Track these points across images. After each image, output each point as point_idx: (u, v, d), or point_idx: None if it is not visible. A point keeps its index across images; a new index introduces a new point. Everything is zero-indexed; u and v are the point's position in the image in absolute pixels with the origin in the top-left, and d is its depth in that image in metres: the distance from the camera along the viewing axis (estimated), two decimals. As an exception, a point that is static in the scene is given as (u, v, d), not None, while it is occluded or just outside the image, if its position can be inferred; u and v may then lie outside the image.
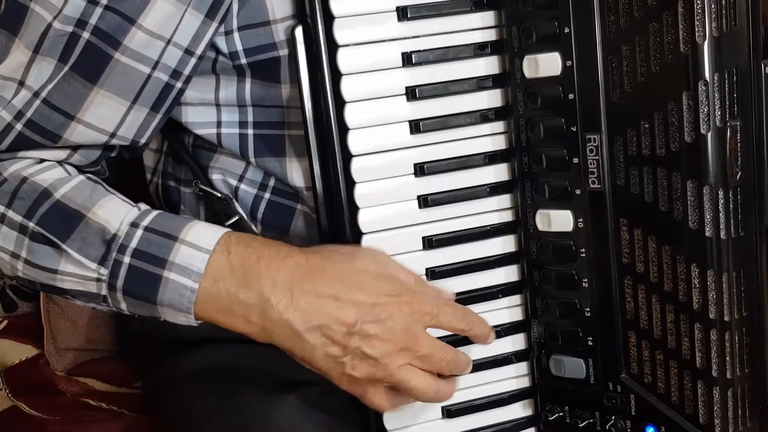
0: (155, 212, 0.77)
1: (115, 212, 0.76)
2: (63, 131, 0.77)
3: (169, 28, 0.76)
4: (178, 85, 0.79)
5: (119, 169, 0.98)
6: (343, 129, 0.77)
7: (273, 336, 0.74)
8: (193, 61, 0.78)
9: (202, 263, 0.73)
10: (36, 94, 0.76)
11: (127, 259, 0.74)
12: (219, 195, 0.88)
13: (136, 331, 0.97)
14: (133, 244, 0.74)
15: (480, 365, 0.83)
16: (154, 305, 0.75)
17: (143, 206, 0.78)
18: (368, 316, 0.73)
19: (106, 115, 0.77)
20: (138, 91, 0.77)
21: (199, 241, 0.74)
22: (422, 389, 0.76)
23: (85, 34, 0.75)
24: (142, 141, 0.81)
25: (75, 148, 0.80)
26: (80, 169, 0.81)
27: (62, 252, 0.75)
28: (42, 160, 0.79)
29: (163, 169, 0.95)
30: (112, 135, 0.78)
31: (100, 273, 0.74)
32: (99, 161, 0.82)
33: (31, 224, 0.75)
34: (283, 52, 0.80)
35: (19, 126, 0.76)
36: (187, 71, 0.79)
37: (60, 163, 0.80)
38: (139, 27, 0.75)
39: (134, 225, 0.75)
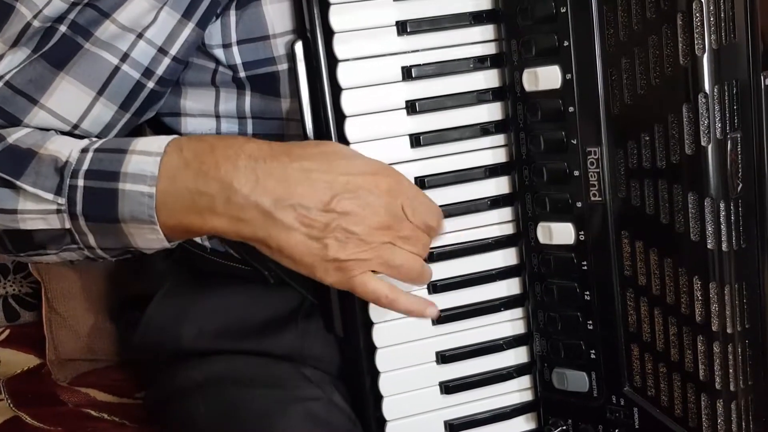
0: (105, 139, 0.76)
1: (66, 144, 0.74)
2: (24, 115, 0.76)
3: (141, 24, 0.75)
4: (150, 85, 0.78)
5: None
6: (344, 143, 0.77)
7: (244, 226, 0.70)
8: (167, 61, 0.77)
9: (154, 166, 0.71)
10: (0, 78, 0.75)
11: (81, 182, 0.72)
12: None
13: (138, 342, 0.97)
14: (85, 166, 0.73)
15: (483, 379, 0.83)
16: (118, 224, 0.72)
17: (95, 138, 0.76)
18: (345, 192, 0.70)
19: (70, 104, 0.76)
20: (104, 82, 0.76)
21: (149, 147, 0.72)
22: (409, 266, 0.73)
23: (62, 28, 0.75)
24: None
25: None
26: None
27: (18, 190, 0.73)
28: None
29: None
30: (75, 126, 0.77)
31: (59, 203, 0.73)
32: None
33: None
34: (282, 66, 0.80)
35: None
36: (160, 71, 0.78)
37: None
38: (113, 21, 0.75)
39: (84, 150, 0.74)
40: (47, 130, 0.77)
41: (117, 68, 0.76)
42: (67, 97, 0.76)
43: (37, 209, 0.73)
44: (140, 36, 0.76)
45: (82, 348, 1.12)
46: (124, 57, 0.76)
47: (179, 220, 0.72)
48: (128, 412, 1.05)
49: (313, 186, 0.70)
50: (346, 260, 0.71)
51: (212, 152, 0.71)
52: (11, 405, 1.07)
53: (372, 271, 0.73)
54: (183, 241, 0.93)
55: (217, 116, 0.86)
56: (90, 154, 0.73)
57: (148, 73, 0.77)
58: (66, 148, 0.74)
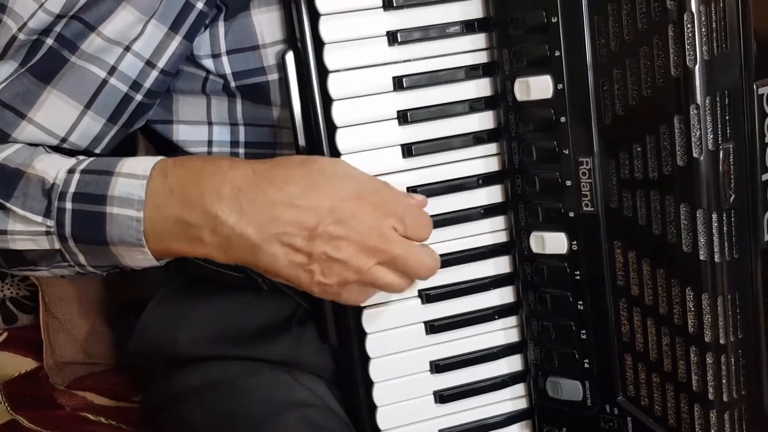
0: (91, 158, 0.76)
1: (53, 164, 0.74)
2: (12, 129, 0.76)
3: (128, 36, 0.75)
4: (138, 97, 0.78)
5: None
6: (335, 154, 0.77)
7: (232, 253, 0.71)
8: (154, 74, 0.77)
9: (141, 190, 0.71)
10: None
11: (69, 205, 0.72)
12: None
13: (134, 348, 0.97)
14: (72, 188, 0.73)
15: (477, 388, 0.83)
16: (108, 246, 0.72)
17: (81, 157, 0.76)
18: (329, 218, 0.69)
19: (58, 118, 0.76)
20: (92, 95, 0.76)
21: (134, 170, 0.72)
22: (398, 286, 0.73)
23: (49, 41, 0.75)
24: (97, 151, 0.80)
25: None
26: None
27: (8, 211, 0.73)
28: None
29: None
30: (63, 140, 0.77)
31: (47, 225, 0.73)
32: None
33: None
34: (273, 76, 0.80)
35: None
36: (148, 84, 0.77)
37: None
38: (99, 34, 0.75)
39: (71, 171, 0.74)
40: (36, 145, 0.77)
41: (104, 81, 0.76)
42: (55, 111, 0.76)
43: (26, 230, 0.74)
44: (127, 49, 0.75)
45: (80, 352, 1.12)
46: (112, 70, 0.76)
47: (168, 246, 0.72)
48: (125, 415, 1.06)
49: (298, 214, 0.70)
50: (331, 284, 0.72)
51: (197, 181, 0.71)
52: (8, 408, 1.07)
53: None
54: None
55: (209, 123, 0.86)
56: (77, 176, 0.73)
57: (135, 86, 0.77)
58: (53, 169, 0.74)
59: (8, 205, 0.73)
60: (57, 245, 0.74)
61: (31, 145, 0.77)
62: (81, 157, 0.76)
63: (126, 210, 0.71)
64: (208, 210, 0.70)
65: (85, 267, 0.76)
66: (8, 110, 0.75)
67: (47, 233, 0.73)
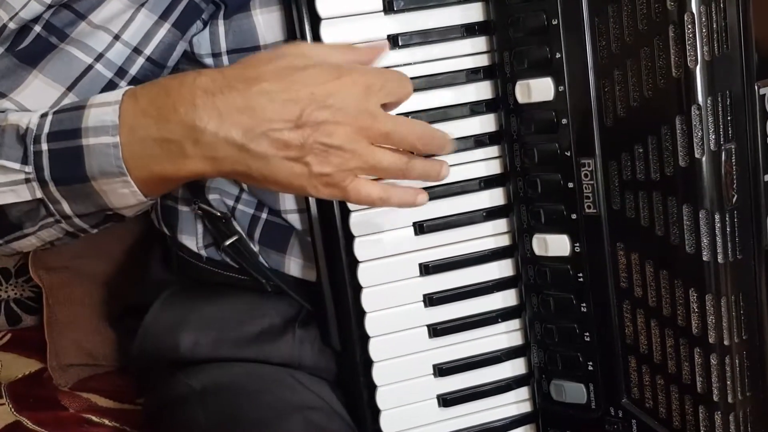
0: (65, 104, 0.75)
1: (25, 114, 0.73)
2: None
3: (117, 24, 0.75)
4: (122, 84, 0.77)
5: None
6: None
7: (221, 163, 0.68)
8: (140, 60, 0.77)
9: (114, 115, 0.68)
10: None
11: (45, 146, 0.71)
12: (218, 213, 0.88)
13: (136, 351, 0.98)
14: (46, 129, 0.71)
15: (481, 391, 0.83)
16: (89, 182, 0.70)
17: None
18: (312, 104, 0.66)
19: (38, 99, 0.75)
20: (75, 79, 0.75)
21: (106, 98, 0.70)
22: (398, 165, 0.70)
23: (37, 28, 0.75)
24: None
25: None
26: None
27: None
28: None
29: None
30: None
31: (26, 171, 0.71)
32: None
33: None
34: None
35: None
36: (133, 71, 0.77)
37: None
38: (89, 22, 0.75)
39: (43, 115, 0.72)
40: None
41: (90, 66, 0.76)
42: (37, 93, 0.75)
43: (5, 181, 0.71)
44: (117, 37, 0.76)
45: (83, 353, 1.12)
46: (99, 57, 0.76)
47: (151, 171, 0.69)
48: (129, 417, 1.06)
49: (279, 107, 0.66)
50: (332, 173, 0.68)
51: (167, 95, 0.67)
52: (13, 409, 1.07)
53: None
54: (179, 250, 0.94)
55: None
56: (49, 117, 0.72)
57: (121, 72, 0.77)
58: (25, 117, 0.72)
59: None
60: (39, 193, 0.71)
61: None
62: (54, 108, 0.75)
63: (101, 138, 0.69)
64: (185, 121, 0.66)
65: (71, 219, 0.73)
66: None
67: (27, 180, 0.71)
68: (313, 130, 0.66)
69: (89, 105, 0.70)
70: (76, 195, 0.71)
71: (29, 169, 0.71)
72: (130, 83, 0.77)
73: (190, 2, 0.76)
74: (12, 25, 0.75)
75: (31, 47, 0.75)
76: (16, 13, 0.75)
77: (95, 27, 0.75)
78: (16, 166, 0.71)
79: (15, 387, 1.11)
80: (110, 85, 0.76)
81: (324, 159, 0.67)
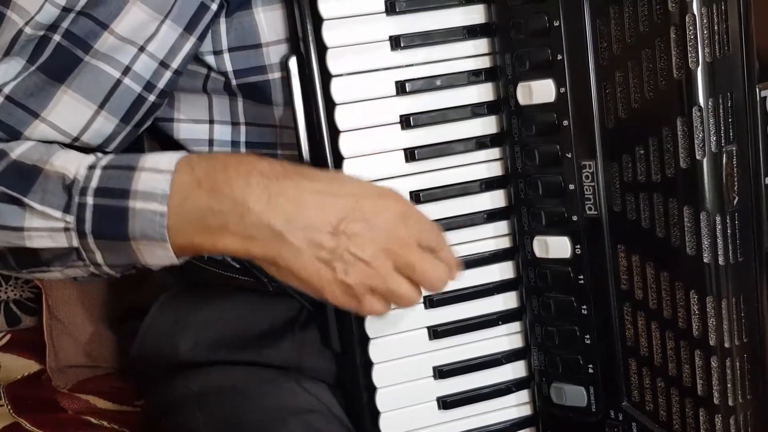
0: (111, 154, 0.75)
1: (71, 160, 0.73)
2: (24, 128, 0.75)
3: (142, 36, 0.75)
4: (151, 98, 0.78)
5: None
6: (338, 158, 0.77)
7: (254, 244, 0.70)
8: (168, 74, 0.77)
9: (166, 184, 0.70)
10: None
11: (90, 200, 0.71)
12: None
13: (136, 353, 0.97)
14: (94, 184, 0.72)
15: (481, 394, 0.83)
16: (128, 242, 0.71)
17: (100, 154, 0.76)
18: (354, 214, 0.69)
19: (71, 117, 0.76)
20: (106, 95, 0.76)
21: (158, 164, 0.71)
22: (410, 298, 0.72)
23: (56, 37, 0.74)
24: (109, 150, 0.79)
25: None
26: None
27: (25, 206, 0.72)
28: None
29: None
30: (76, 139, 0.77)
31: (67, 221, 0.72)
32: None
33: None
34: (274, 75, 0.80)
35: None
36: (161, 84, 0.77)
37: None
38: (111, 32, 0.74)
39: (92, 167, 0.73)
40: (50, 142, 0.77)
41: (119, 81, 0.76)
42: (68, 111, 0.75)
43: (44, 227, 0.72)
44: (142, 49, 0.75)
45: (83, 355, 1.12)
46: (126, 70, 0.76)
47: (190, 239, 0.71)
48: (128, 419, 1.05)
49: (324, 208, 0.69)
50: (353, 284, 0.71)
51: (225, 170, 0.70)
52: (11, 411, 1.07)
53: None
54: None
55: (211, 122, 0.86)
56: (98, 172, 0.72)
57: (149, 86, 0.77)
58: (72, 165, 0.73)
59: (26, 200, 0.72)
60: (75, 242, 0.72)
61: (45, 142, 0.76)
62: (99, 154, 0.75)
63: (150, 204, 0.70)
64: (236, 196, 0.69)
65: (101, 266, 0.74)
66: (20, 109, 0.75)
67: (66, 229, 0.72)
68: (348, 239, 0.69)
69: (140, 167, 0.71)
70: (112, 249, 0.72)
71: (70, 219, 0.72)
72: (157, 96, 0.78)
73: (212, 13, 0.76)
74: (28, 30, 0.75)
75: (56, 60, 0.74)
76: (32, 18, 0.74)
77: (118, 38, 0.75)
78: (58, 214, 0.72)
79: (14, 388, 1.11)
80: (139, 100, 0.77)
81: (350, 268, 0.70)
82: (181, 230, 0.71)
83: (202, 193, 0.70)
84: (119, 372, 1.13)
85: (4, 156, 0.74)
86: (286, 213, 0.69)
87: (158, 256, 0.72)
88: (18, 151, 0.74)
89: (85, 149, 0.78)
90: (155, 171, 0.71)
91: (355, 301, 0.72)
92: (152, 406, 0.99)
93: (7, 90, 0.74)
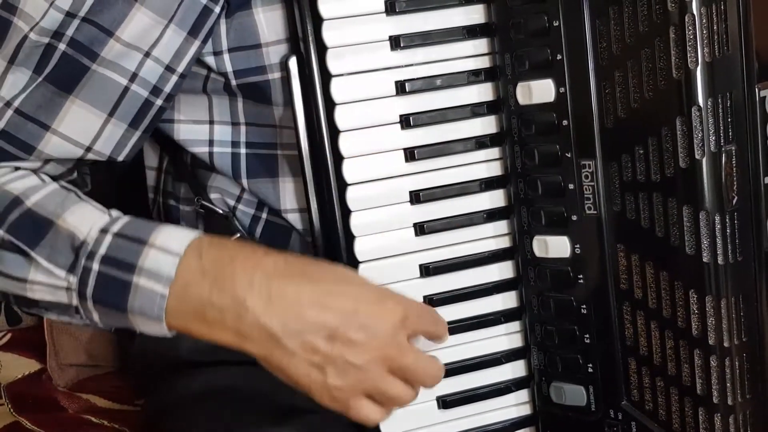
0: (126, 218, 0.75)
1: (85, 218, 0.74)
2: (37, 142, 0.75)
3: (147, 41, 0.75)
4: (159, 102, 0.78)
5: (121, 186, 0.99)
6: (338, 158, 0.77)
7: (248, 342, 0.70)
8: (174, 78, 0.77)
9: (172, 267, 0.70)
10: (8, 104, 0.75)
11: (96, 266, 0.72)
12: (220, 212, 0.88)
13: (137, 352, 0.98)
14: (102, 250, 0.72)
15: (481, 393, 0.83)
16: (125, 313, 0.72)
17: (115, 213, 0.76)
18: (351, 322, 0.70)
19: (82, 127, 0.76)
20: (115, 103, 0.76)
21: (169, 244, 0.72)
22: (405, 398, 0.73)
23: (61, 46, 0.74)
24: (120, 158, 0.80)
25: (49, 160, 0.79)
26: (56, 179, 0.80)
27: (31, 260, 0.73)
28: (17, 169, 0.78)
29: (164, 188, 0.96)
30: (88, 149, 0.77)
31: (70, 281, 0.72)
32: (74, 168, 0.81)
33: (1, 232, 0.74)
34: (274, 75, 0.80)
35: None
36: (168, 89, 0.78)
37: (35, 172, 0.78)
38: (117, 39, 0.75)
39: (104, 231, 0.73)
40: (69, 189, 0.77)
41: (126, 88, 0.76)
42: (79, 121, 0.76)
43: (46, 282, 0.73)
44: (147, 55, 0.76)
45: (83, 354, 1.13)
46: (133, 77, 0.76)
47: (186, 325, 0.72)
48: (128, 419, 1.06)
49: (322, 313, 0.70)
50: (343, 387, 0.71)
51: (231, 262, 0.70)
52: (12, 410, 1.07)
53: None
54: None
55: (211, 122, 0.86)
56: (108, 237, 0.72)
57: (156, 91, 0.77)
58: (85, 225, 0.73)
59: (33, 254, 0.73)
60: (75, 302, 0.73)
61: (62, 188, 0.77)
62: (114, 213, 0.76)
63: (153, 284, 0.71)
64: (238, 295, 0.69)
65: (96, 323, 0.75)
66: (31, 122, 0.75)
67: (67, 289, 0.73)
68: (343, 345, 0.70)
69: (150, 243, 0.72)
70: (109, 315, 0.73)
71: (74, 280, 0.72)
72: (164, 100, 0.78)
73: (216, 16, 0.77)
74: (33, 36, 0.74)
75: (63, 70, 0.74)
76: (37, 23, 0.74)
77: (124, 44, 0.75)
78: (62, 273, 0.72)
79: (14, 387, 1.11)
80: (147, 105, 0.77)
81: (341, 373, 0.70)
82: (178, 314, 0.71)
83: (205, 284, 0.70)
84: (119, 371, 1.13)
85: (19, 204, 0.74)
86: (284, 317, 0.69)
87: (152, 329, 0.73)
88: (34, 198, 0.75)
89: (100, 162, 0.79)
90: (164, 251, 0.71)
91: (342, 406, 0.72)
92: (152, 406, 0.99)
93: (16, 104, 0.75)
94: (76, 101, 0.75)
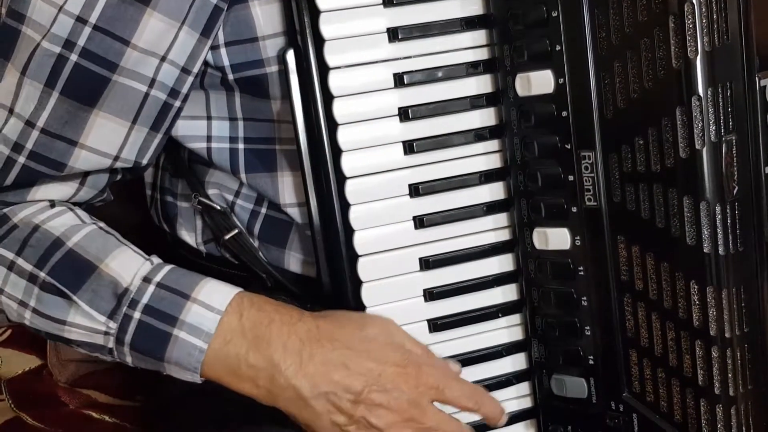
0: (168, 267, 0.77)
1: (127, 265, 0.76)
2: (67, 158, 0.76)
3: (162, 46, 0.75)
4: (177, 104, 0.79)
5: (119, 187, 0.99)
6: (337, 151, 0.77)
7: (278, 400, 0.74)
8: (190, 79, 0.78)
9: (213, 324, 0.73)
10: (31, 124, 0.75)
11: (137, 315, 0.74)
12: (218, 208, 0.88)
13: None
14: (145, 299, 0.74)
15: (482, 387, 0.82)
16: (162, 362, 0.75)
17: (156, 260, 0.78)
18: (375, 385, 0.73)
19: (109, 138, 0.77)
20: (137, 110, 0.77)
21: (211, 300, 0.74)
22: None
23: (73, 57, 0.74)
24: (144, 161, 0.80)
25: (82, 179, 0.80)
26: (90, 204, 0.82)
27: (72, 303, 0.75)
28: (52, 203, 0.79)
29: (161, 185, 0.96)
30: (116, 158, 0.78)
31: (109, 327, 0.74)
32: (106, 188, 0.83)
33: (42, 274, 0.75)
34: (271, 69, 0.80)
35: (21, 159, 0.76)
36: (184, 90, 0.79)
37: (70, 207, 0.80)
38: (134, 47, 0.75)
39: (146, 280, 0.75)
40: (107, 232, 0.78)
41: (147, 95, 0.77)
42: (105, 132, 0.77)
43: (86, 326, 0.75)
44: (164, 59, 0.76)
45: (83, 350, 1.13)
46: (152, 83, 0.76)
47: (219, 377, 0.75)
48: (129, 414, 1.06)
49: (349, 375, 0.73)
50: None
51: (269, 326, 0.74)
52: (13, 406, 1.07)
53: None
54: (178, 247, 0.94)
55: (208, 118, 0.86)
56: (151, 288, 0.75)
57: (174, 93, 0.78)
58: (128, 272, 0.75)
59: (75, 297, 0.74)
60: (111, 345, 0.75)
61: (101, 229, 0.78)
62: (155, 260, 0.77)
63: (193, 338, 0.73)
64: (272, 357, 0.73)
65: (126, 363, 0.77)
66: (59, 140, 0.76)
67: (106, 333, 0.75)
68: (367, 408, 0.73)
69: (193, 298, 0.74)
70: (144, 361, 0.76)
71: (113, 326, 0.74)
72: (182, 101, 0.79)
73: (223, 14, 0.77)
74: (45, 45, 0.74)
75: (82, 83, 0.75)
76: (48, 31, 0.74)
77: (141, 52, 0.75)
78: (102, 318, 0.74)
79: (15, 383, 1.11)
80: (166, 107, 0.78)
81: None
82: (214, 368, 0.74)
83: (244, 343, 0.73)
84: (120, 367, 1.12)
85: (60, 246, 0.76)
86: (313, 380, 0.73)
87: (184, 377, 0.76)
88: (75, 239, 0.76)
89: (123, 170, 0.80)
90: (206, 307, 0.74)
91: None
92: (155, 401, 0.99)
93: (41, 123, 0.75)
94: (100, 113, 0.76)
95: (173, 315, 0.74)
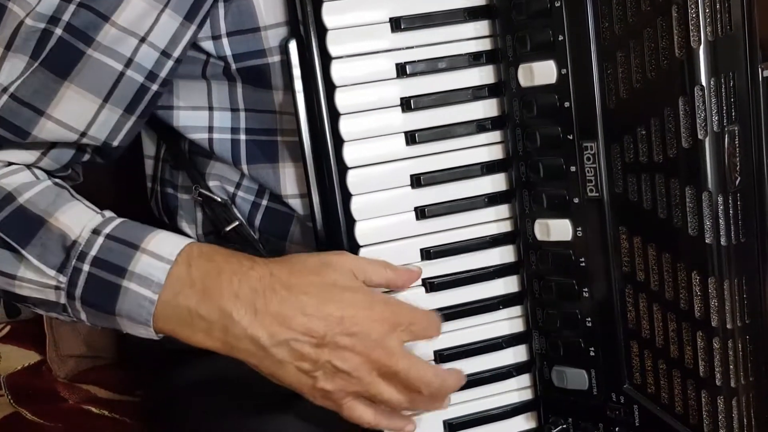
0: (119, 220, 0.75)
1: (77, 218, 0.74)
2: (32, 127, 0.75)
3: (143, 26, 0.75)
4: (154, 87, 0.78)
5: (119, 179, 0.98)
6: (339, 141, 0.77)
7: (235, 351, 0.72)
8: (170, 63, 0.77)
9: (162, 273, 0.72)
10: (4, 90, 0.75)
11: (86, 267, 0.72)
12: (219, 200, 0.88)
13: (136, 341, 0.97)
14: (93, 251, 0.73)
15: (482, 379, 0.82)
16: (113, 316, 0.73)
17: (108, 213, 0.76)
18: (338, 328, 0.71)
19: (77, 112, 0.76)
20: (110, 88, 0.76)
21: (160, 250, 0.73)
22: (397, 402, 0.74)
23: (58, 31, 0.74)
24: (115, 143, 0.79)
25: (45, 150, 0.79)
26: (50, 174, 0.80)
27: (21, 258, 0.73)
28: (10, 164, 0.78)
29: (161, 177, 0.95)
30: (83, 134, 0.77)
31: (59, 281, 0.73)
32: (70, 165, 0.81)
33: None
34: (273, 59, 0.80)
35: None
36: (163, 74, 0.78)
37: (29, 167, 0.79)
38: (113, 24, 0.74)
39: (96, 232, 0.73)
40: (62, 186, 0.77)
41: (122, 74, 0.76)
42: (74, 106, 0.76)
43: (35, 280, 0.74)
44: (143, 40, 0.75)
45: (83, 345, 1.13)
46: (128, 62, 0.76)
47: (173, 329, 0.73)
48: (129, 409, 1.06)
49: (308, 322, 0.71)
50: (333, 391, 0.73)
51: (218, 275, 0.72)
52: (12, 401, 1.07)
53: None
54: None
55: (210, 109, 0.86)
56: (100, 239, 0.73)
57: (151, 76, 0.77)
58: (77, 225, 0.74)
59: (24, 252, 0.73)
60: (63, 300, 0.74)
61: (55, 185, 0.77)
62: (107, 214, 0.76)
63: (143, 289, 0.72)
64: (224, 307, 0.71)
65: (83, 322, 0.76)
66: (26, 108, 0.75)
67: (56, 288, 0.74)
68: (331, 351, 0.71)
69: (142, 248, 0.73)
70: (97, 316, 0.74)
71: (63, 279, 0.73)
72: (160, 85, 0.78)
73: (210, 1, 0.77)
74: (29, 22, 0.74)
75: (59, 55, 0.74)
76: (33, 9, 0.74)
77: (120, 29, 0.74)
78: (51, 272, 0.73)
79: (14, 378, 1.11)
80: (142, 90, 0.77)
81: (330, 378, 0.72)
82: (165, 320, 0.72)
83: (193, 294, 0.72)
84: (120, 362, 1.13)
85: (11, 201, 0.74)
86: (271, 329, 0.71)
87: (139, 332, 0.74)
88: (26, 195, 0.75)
89: (91, 147, 0.79)
90: (156, 257, 0.72)
91: (334, 405, 0.74)
92: (153, 395, 0.99)
93: (12, 89, 0.74)
94: (71, 87, 0.75)
95: (122, 266, 0.72)
